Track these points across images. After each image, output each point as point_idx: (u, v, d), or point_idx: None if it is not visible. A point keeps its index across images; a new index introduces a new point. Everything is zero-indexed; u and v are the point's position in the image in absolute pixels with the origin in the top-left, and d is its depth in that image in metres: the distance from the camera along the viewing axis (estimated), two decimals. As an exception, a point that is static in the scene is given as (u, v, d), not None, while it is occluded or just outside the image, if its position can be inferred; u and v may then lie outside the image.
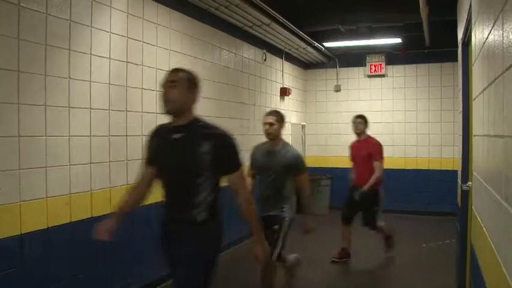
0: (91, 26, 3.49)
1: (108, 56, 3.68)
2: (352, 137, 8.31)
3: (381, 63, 8.16)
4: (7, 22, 2.80)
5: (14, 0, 2.84)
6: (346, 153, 8.33)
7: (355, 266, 5.05)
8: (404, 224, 7.25)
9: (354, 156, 5.36)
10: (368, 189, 4.93)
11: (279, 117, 3.61)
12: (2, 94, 2.78)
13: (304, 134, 8.25)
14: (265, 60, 6.80)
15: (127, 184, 3.85)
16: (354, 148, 5.40)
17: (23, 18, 2.89)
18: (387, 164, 8.14)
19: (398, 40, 7.23)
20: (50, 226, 3.11)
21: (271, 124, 3.57)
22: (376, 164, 5.03)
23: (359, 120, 5.41)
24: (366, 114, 8.22)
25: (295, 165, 3.58)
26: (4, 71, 2.78)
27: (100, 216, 3.52)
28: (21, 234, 2.88)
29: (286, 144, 3.70)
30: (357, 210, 5.14)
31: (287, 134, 7.82)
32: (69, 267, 3.28)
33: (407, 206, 7.87)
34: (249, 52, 6.30)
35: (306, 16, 6.54)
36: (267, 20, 5.52)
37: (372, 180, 4.94)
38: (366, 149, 5.14)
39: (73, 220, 3.31)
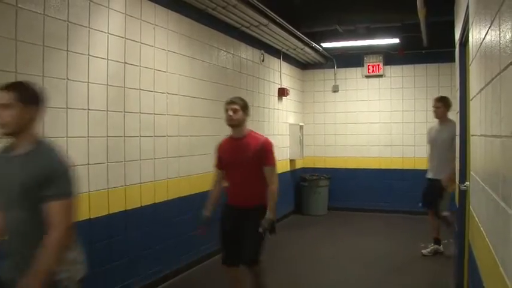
0: (89, 27, 3.48)
1: (106, 57, 3.68)
2: (351, 137, 8.45)
3: (378, 63, 8.17)
4: (4, 23, 2.80)
5: (11, 1, 2.83)
6: (345, 153, 8.49)
7: (354, 266, 5.05)
8: (402, 223, 7.27)
9: (229, 163, 3.45)
10: (271, 215, 3.28)
11: (19, 95, 1.95)
12: None
13: (302, 135, 8.25)
14: (263, 60, 6.81)
15: (125, 185, 3.85)
16: (229, 149, 3.46)
17: (21, 19, 2.89)
18: (387, 164, 8.25)
19: (396, 40, 7.24)
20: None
21: (4, 106, 1.93)
22: (269, 169, 3.36)
23: (234, 106, 3.34)
24: (364, 115, 8.45)
25: (50, 182, 1.93)
26: (1, 72, 2.77)
27: (98, 217, 3.52)
28: (18, 235, 2.87)
29: (41, 143, 2.04)
30: (241, 245, 3.35)
31: (285, 135, 7.82)
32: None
33: (404, 205, 7.88)
34: (247, 53, 6.30)
35: (303, 16, 6.55)
36: (264, 21, 5.52)
37: (272, 197, 3.33)
38: (252, 150, 3.34)
39: (71, 221, 3.30)
